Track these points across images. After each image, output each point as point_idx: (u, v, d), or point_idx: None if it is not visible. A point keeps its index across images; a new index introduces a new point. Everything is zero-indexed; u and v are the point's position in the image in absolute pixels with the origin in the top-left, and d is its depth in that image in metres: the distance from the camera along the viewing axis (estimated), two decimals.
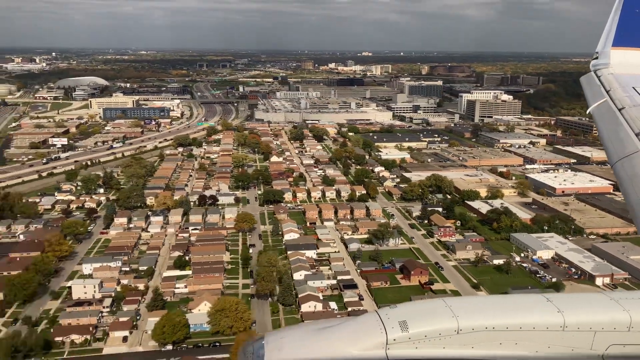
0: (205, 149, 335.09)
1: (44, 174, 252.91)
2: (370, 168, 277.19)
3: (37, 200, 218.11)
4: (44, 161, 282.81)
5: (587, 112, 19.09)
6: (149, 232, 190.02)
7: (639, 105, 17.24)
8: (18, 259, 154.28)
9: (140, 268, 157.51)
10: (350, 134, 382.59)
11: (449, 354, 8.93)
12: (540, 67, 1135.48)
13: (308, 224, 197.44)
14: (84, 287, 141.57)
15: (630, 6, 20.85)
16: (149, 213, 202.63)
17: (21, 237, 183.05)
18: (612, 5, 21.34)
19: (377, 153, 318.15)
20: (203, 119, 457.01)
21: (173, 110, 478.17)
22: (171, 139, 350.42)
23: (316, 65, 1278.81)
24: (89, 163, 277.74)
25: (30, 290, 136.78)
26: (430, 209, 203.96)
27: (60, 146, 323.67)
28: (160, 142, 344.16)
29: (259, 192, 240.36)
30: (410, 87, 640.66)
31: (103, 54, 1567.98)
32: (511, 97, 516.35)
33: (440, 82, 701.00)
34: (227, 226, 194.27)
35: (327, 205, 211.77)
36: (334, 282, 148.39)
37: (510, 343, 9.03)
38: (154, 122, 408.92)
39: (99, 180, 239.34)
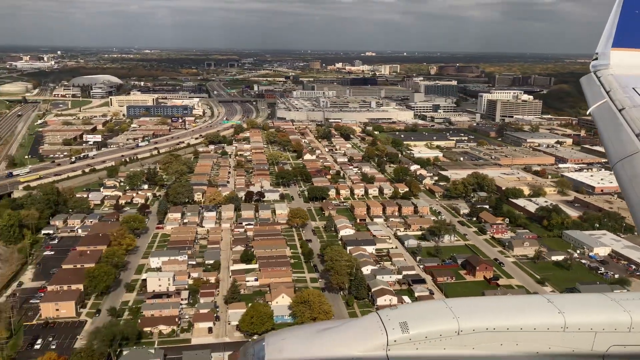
0: (236, 146, 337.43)
1: (86, 170, 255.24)
2: (405, 166, 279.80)
3: (85, 195, 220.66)
4: (72, 160, 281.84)
5: (587, 112, 19.13)
6: (203, 227, 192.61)
7: (639, 106, 17.24)
8: (88, 252, 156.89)
9: (207, 262, 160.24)
10: (375, 132, 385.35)
11: (450, 355, 8.94)
12: (547, 67, 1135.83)
13: (358, 221, 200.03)
14: (159, 279, 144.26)
15: (630, 7, 20.67)
16: (201, 209, 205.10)
17: (79, 231, 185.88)
18: (613, 6, 21.25)
19: (408, 151, 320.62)
20: (224, 118, 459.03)
21: (195, 108, 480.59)
22: (202, 137, 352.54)
23: (323, 65, 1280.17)
24: (127, 160, 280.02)
25: (109, 282, 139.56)
26: (478, 206, 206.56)
27: (92, 142, 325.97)
28: (194, 139, 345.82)
29: (300, 189, 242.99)
30: (425, 87, 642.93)
31: (107, 53, 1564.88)
32: (531, 97, 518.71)
33: (454, 82, 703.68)
34: (280, 222, 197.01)
35: (375, 202, 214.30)
36: (400, 277, 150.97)
37: (511, 344, 9.04)
38: (180, 120, 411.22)
39: (143, 177, 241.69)
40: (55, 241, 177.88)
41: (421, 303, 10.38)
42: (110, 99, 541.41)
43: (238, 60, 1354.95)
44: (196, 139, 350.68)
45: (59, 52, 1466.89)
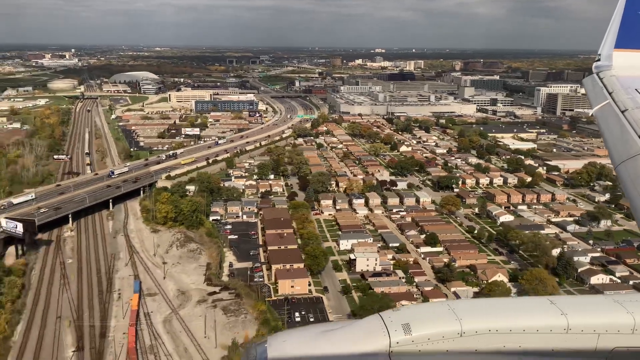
0: (324, 139, 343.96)
1: (210, 161, 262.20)
2: (508, 157, 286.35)
3: (222, 184, 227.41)
4: (163, 157, 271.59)
5: (590, 114, 20.74)
6: (357, 213, 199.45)
7: None
8: (285, 234, 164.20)
9: (391, 244, 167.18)
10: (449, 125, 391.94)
11: (452, 357, 8.95)
12: (569, 63, 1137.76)
13: (503, 208, 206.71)
14: (367, 259, 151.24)
15: (633, 8, 20.53)
16: (348, 196, 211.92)
17: (244, 217, 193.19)
18: (616, 6, 21.27)
19: (501, 143, 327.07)
20: (294, 113, 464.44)
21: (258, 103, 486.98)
22: (290, 130, 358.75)
23: (344, 61, 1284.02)
24: (239, 151, 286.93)
25: (326, 262, 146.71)
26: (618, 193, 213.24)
27: (192, 135, 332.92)
28: (285, 132, 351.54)
29: (421, 178, 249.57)
30: (471, 82, 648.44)
31: (118, 51, 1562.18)
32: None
33: (497, 77, 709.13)
34: (428, 209, 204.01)
35: (513, 191, 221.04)
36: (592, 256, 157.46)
37: (514, 345, 9.04)
38: (257, 114, 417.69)
39: (270, 167, 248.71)
40: (229, 226, 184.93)
41: (423, 304, 10.33)
42: (169, 94, 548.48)
43: (257, 57, 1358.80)
44: (274, 133, 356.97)
45: (72, 50, 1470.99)
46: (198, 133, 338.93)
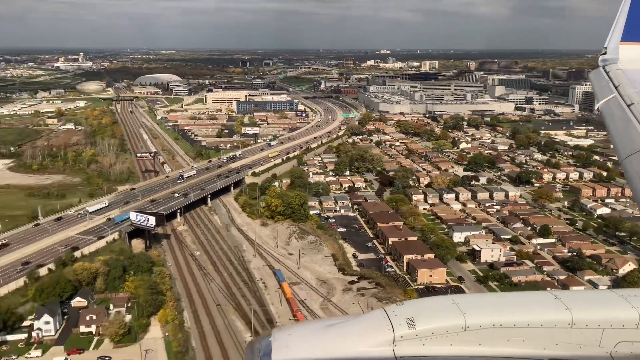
0: (377, 136, 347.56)
1: (284, 158, 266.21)
2: (570, 153, 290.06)
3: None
4: (225, 159, 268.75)
5: (595, 108, 19.07)
6: (449, 206, 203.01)
7: None
8: (401, 227, 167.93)
9: (503, 236, 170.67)
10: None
11: (456, 351, 8.96)
12: (582, 62, 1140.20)
13: (598, 201, 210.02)
14: (491, 250, 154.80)
15: (639, 1, 20.35)
16: (436, 191, 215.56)
17: (342, 211, 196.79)
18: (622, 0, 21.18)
19: (557, 140, 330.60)
20: (326, 113, 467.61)
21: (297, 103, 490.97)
22: (344, 129, 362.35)
23: (357, 62, 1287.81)
24: (306, 149, 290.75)
25: (454, 252, 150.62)
26: None
27: (252, 134, 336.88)
28: (340, 131, 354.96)
29: (497, 173, 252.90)
30: (499, 81, 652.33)
31: (124, 54, 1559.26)
32: None
33: (522, 76, 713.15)
34: (518, 202, 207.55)
35: (598, 185, 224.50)
36: None
37: (518, 340, 9.04)
38: (303, 114, 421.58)
39: (347, 164, 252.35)
40: (332, 220, 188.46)
41: (428, 299, 10.27)
42: (205, 95, 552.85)
43: (270, 59, 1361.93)
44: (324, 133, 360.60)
45: (81, 53, 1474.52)
46: (257, 132, 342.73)
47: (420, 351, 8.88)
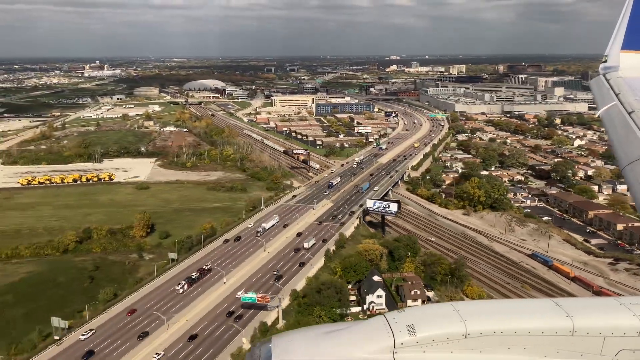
0: (483, 134, 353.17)
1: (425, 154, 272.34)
2: None
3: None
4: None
5: (596, 115, 19.05)
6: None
7: None
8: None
9: None
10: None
11: (457, 359, 8.89)
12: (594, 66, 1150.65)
13: None
14: None
15: None
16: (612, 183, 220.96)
17: (528, 202, 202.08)
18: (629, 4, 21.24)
19: None
20: (403, 115, 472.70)
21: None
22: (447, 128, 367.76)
23: (380, 67, 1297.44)
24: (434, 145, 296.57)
25: None
26: None
27: (364, 132, 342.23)
28: (441, 130, 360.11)
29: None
30: (553, 82, 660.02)
31: (138, 62, 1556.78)
32: None
33: (572, 78, 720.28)
34: None
35: None
36: None
37: (519, 348, 8.97)
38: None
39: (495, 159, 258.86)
40: (528, 209, 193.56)
41: (429, 306, 10.33)
42: (273, 99, 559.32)
43: (294, 65, 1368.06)
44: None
45: (97, 61, 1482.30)
46: (369, 130, 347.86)
47: (421, 358, 8.80)
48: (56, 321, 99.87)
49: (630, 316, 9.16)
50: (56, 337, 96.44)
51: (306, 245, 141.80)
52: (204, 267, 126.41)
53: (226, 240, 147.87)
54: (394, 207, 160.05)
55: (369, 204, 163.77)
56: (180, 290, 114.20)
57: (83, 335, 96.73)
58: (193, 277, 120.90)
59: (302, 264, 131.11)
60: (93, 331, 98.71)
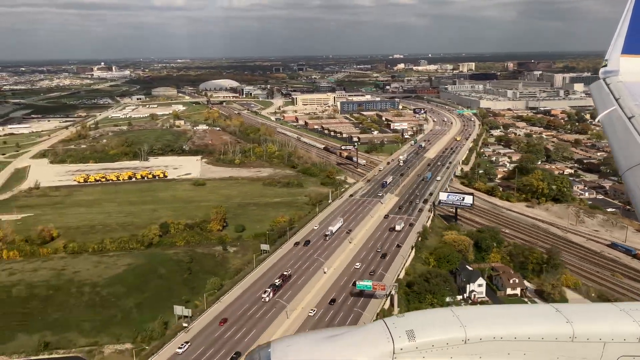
0: (516, 130, 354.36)
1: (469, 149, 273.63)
2: None
3: None
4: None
5: (596, 120, 18.91)
6: None
7: None
8: None
9: None
10: None
11: None
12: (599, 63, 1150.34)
13: None
14: None
15: None
16: None
17: (586, 194, 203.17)
18: (630, 8, 21.01)
19: None
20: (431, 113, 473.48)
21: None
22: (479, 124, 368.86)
23: (388, 65, 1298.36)
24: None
25: None
26: None
27: (400, 129, 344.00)
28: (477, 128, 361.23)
29: None
30: (570, 79, 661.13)
31: (144, 64, 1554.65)
32: None
33: (589, 74, 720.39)
34: None
35: None
36: None
37: (519, 353, 8.92)
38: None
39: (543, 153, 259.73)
40: (589, 201, 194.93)
41: (428, 311, 10.24)
42: (295, 97, 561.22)
43: (301, 64, 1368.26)
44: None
45: (102, 63, 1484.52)
46: (405, 127, 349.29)
47: None
48: (179, 309, 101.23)
49: (630, 322, 9.17)
50: (184, 325, 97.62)
51: (397, 227, 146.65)
52: (284, 273, 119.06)
53: (296, 243, 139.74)
54: (468, 199, 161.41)
55: (442, 196, 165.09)
56: (267, 299, 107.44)
57: (180, 348, 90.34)
58: (277, 284, 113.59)
59: (399, 245, 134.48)
60: (188, 344, 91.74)
